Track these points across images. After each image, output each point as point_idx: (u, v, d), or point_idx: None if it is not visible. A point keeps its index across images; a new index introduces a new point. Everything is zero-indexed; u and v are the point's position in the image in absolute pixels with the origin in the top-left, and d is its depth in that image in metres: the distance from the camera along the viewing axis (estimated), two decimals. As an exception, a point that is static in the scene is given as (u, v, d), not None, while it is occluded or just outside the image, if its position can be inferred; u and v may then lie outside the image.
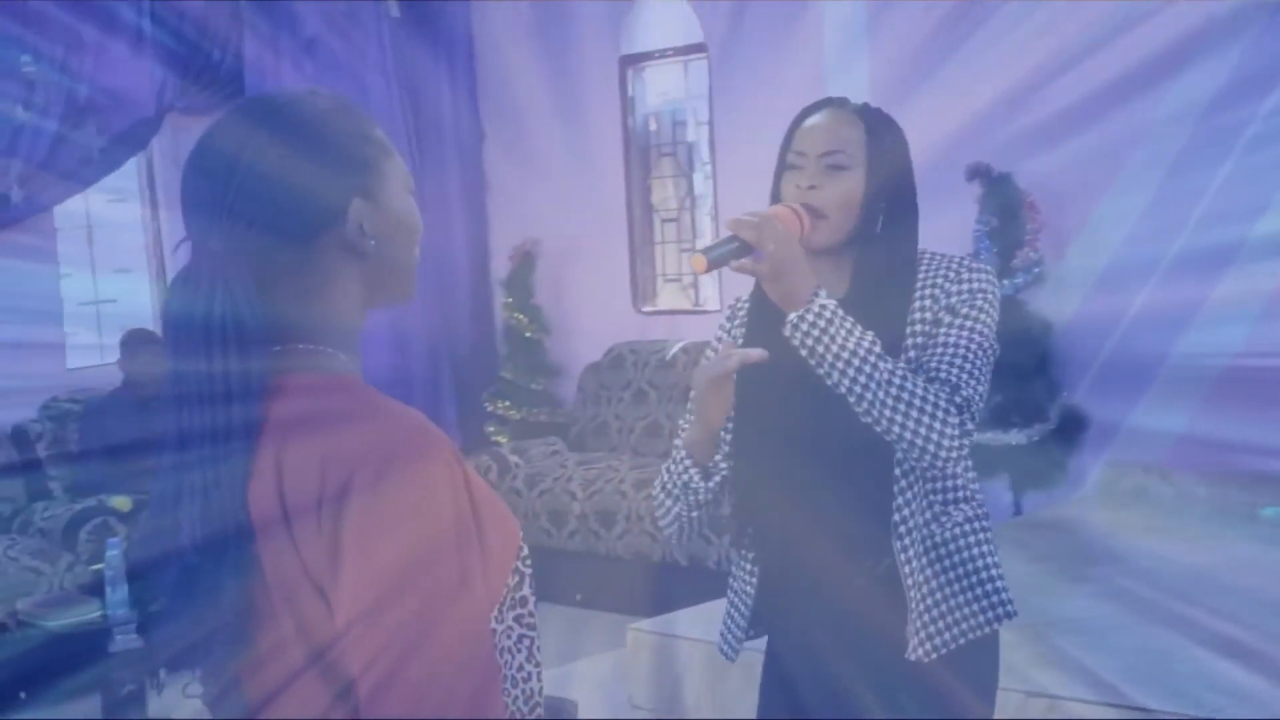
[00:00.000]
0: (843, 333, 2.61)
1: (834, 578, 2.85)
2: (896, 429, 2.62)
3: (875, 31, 7.33)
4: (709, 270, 2.66)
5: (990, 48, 6.89)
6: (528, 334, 8.80)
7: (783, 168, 2.85)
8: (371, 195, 1.73)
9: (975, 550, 2.79)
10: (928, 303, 2.77)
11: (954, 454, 2.64)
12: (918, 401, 2.60)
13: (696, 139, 8.61)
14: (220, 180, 1.67)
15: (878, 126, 2.84)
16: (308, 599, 1.59)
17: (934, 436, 2.61)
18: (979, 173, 6.63)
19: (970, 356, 2.71)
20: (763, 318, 2.86)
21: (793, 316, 2.64)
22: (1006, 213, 6.61)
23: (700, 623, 5.25)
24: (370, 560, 1.54)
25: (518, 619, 1.71)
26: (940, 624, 2.77)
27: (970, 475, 2.84)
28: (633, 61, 8.69)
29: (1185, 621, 4.95)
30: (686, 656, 5.16)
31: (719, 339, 3.03)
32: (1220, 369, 6.37)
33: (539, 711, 1.75)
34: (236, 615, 1.61)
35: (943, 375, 2.69)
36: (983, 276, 2.79)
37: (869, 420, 2.64)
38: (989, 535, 2.83)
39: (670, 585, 6.75)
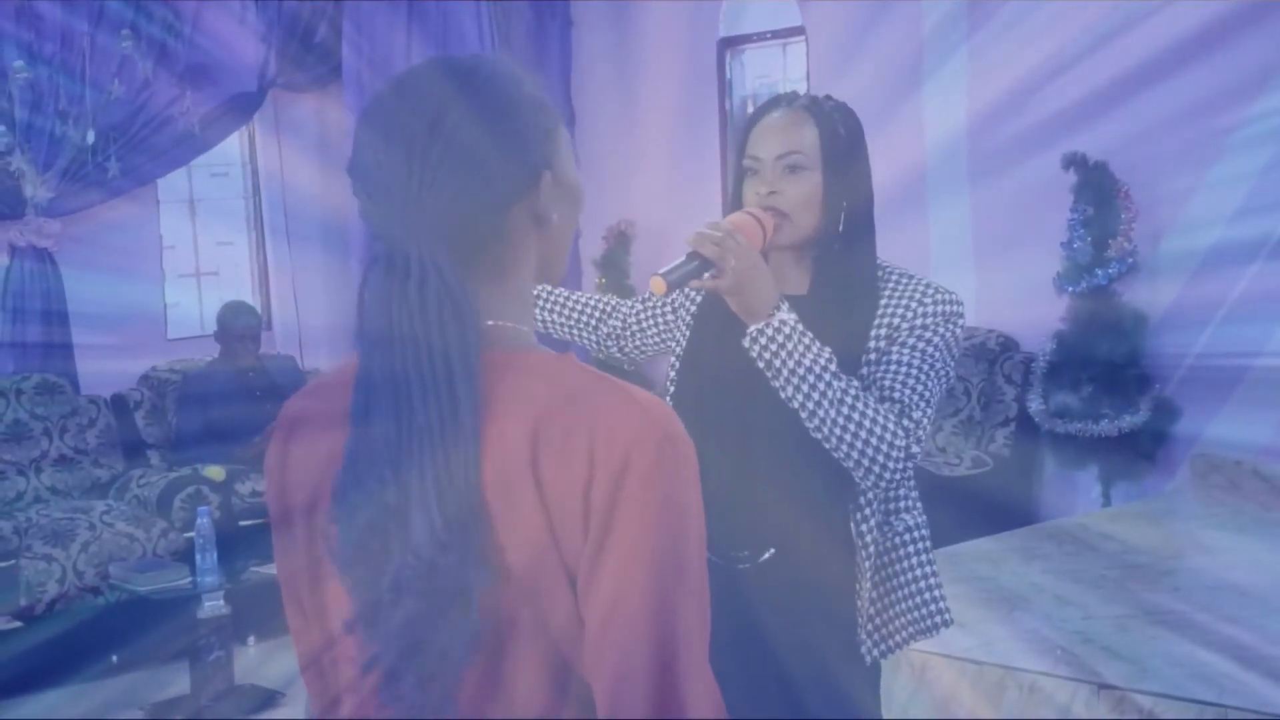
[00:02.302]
0: (800, 348, 2.63)
1: (755, 569, 2.89)
2: (845, 448, 2.64)
3: (974, 16, 7.28)
4: (669, 292, 2.63)
5: (1088, 36, 6.82)
6: (621, 315, 8.81)
7: (740, 173, 2.85)
8: (554, 166, 1.67)
9: (916, 560, 2.85)
10: (895, 320, 2.77)
11: (897, 475, 2.67)
12: (867, 423, 2.62)
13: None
14: (418, 150, 1.57)
15: (831, 122, 2.80)
16: (554, 582, 1.54)
17: (879, 459, 2.63)
18: (1074, 161, 6.57)
19: (923, 379, 2.72)
20: (713, 313, 2.88)
21: (752, 329, 2.65)
22: (1102, 202, 6.54)
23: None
24: (646, 539, 1.50)
25: None
26: (886, 629, 2.86)
27: (911, 483, 2.88)
28: (731, 44, 8.68)
29: (1271, 620, 4.89)
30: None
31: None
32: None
33: None
34: (474, 600, 1.52)
35: (895, 395, 2.70)
36: (950, 303, 2.79)
37: (818, 436, 2.65)
38: (928, 545, 2.88)
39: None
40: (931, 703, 4.49)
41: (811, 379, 2.62)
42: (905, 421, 2.66)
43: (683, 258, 2.65)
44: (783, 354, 2.63)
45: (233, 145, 8.57)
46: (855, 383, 2.66)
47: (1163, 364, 6.66)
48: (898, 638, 2.86)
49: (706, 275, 2.64)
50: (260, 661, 6.15)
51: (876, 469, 2.65)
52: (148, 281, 8.13)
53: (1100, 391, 6.51)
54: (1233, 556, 5.68)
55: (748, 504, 2.84)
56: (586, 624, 1.53)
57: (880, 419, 2.63)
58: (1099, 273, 6.51)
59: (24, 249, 7.43)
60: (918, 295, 2.78)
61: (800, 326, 2.64)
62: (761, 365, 2.66)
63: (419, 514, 1.52)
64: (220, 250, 8.71)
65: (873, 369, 2.75)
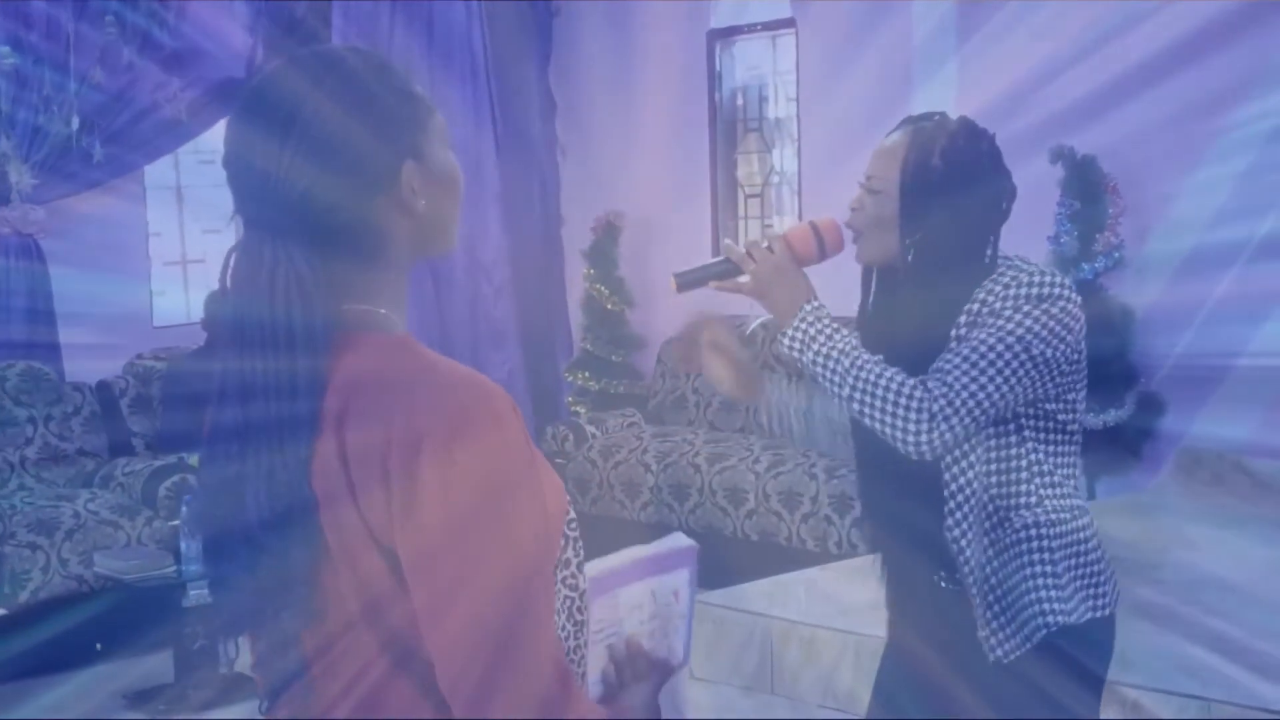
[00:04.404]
0: (822, 337, 2.75)
1: (906, 585, 2.98)
2: (867, 419, 2.72)
3: (965, 7, 7.28)
4: (682, 291, 2.85)
5: (1077, 22, 6.83)
6: (609, 306, 8.80)
7: None
8: (420, 155, 1.72)
9: (1027, 559, 2.79)
10: (976, 306, 2.76)
11: (924, 445, 2.68)
12: (880, 392, 2.69)
13: (780, 114, 8.59)
14: (273, 149, 1.66)
15: (925, 151, 2.80)
16: (368, 557, 1.60)
17: (899, 424, 2.68)
18: (1062, 155, 6.57)
19: (986, 355, 2.69)
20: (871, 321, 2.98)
21: (784, 331, 2.79)
22: (1089, 196, 6.55)
23: (763, 597, 5.26)
24: (445, 519, 1.55)
25: (563, 580, 1.73)
26: (1004, 633, 2.81)
27: (1042, 480, 2.81)
28: (721, 35, 8.68)
29: (1253, 614, 4.91)
30: (748, 629, 5.18)
31: None
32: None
33: (576, 669, 1.76)
34: (300, 576, 1.62)
35: (940, 370, 2.72)
36: (1042, 285, 2.74)
37: (850, 410, 2.75)
38: (1048, 544, 2.79)
39: (742, 559, 6.74)
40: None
41: (833, 362, 2.73)
42: (935, 392, 2.67)
43: (711, 260, 2.88)
44: (811, 347, 2.75)
45: (220, 132, 8.53)
46: (876, 359, 2.73)
47: (1148, 359, 6.67)
48: (1016, 639, 2.81)
49: (729, 280, 2.83)
50: (244, 650, 6.13)
51: (900, 436, 2.68)
52: (134, 269, 8.10)
53: (1086, 385, 6.52)
54: (1217, 551, 5.70)
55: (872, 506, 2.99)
56: (414, 603, 1.59)
57: (894, 387, 2.68)
58: (1085, 267, 6.51)
59: (8, 236, 7.41)
60: (1003, 281, 2.76)
61: (825, 319, 2.76)
62: (798, 363, 2.79)
63: (250, 492, 1.61)
64: (207, 238, 8.67)
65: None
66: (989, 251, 2.82)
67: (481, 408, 1.59)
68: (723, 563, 6.75)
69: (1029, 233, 6.64)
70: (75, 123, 7.43)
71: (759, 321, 8.11)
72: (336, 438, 1.61)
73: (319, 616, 1.63)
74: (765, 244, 2.81)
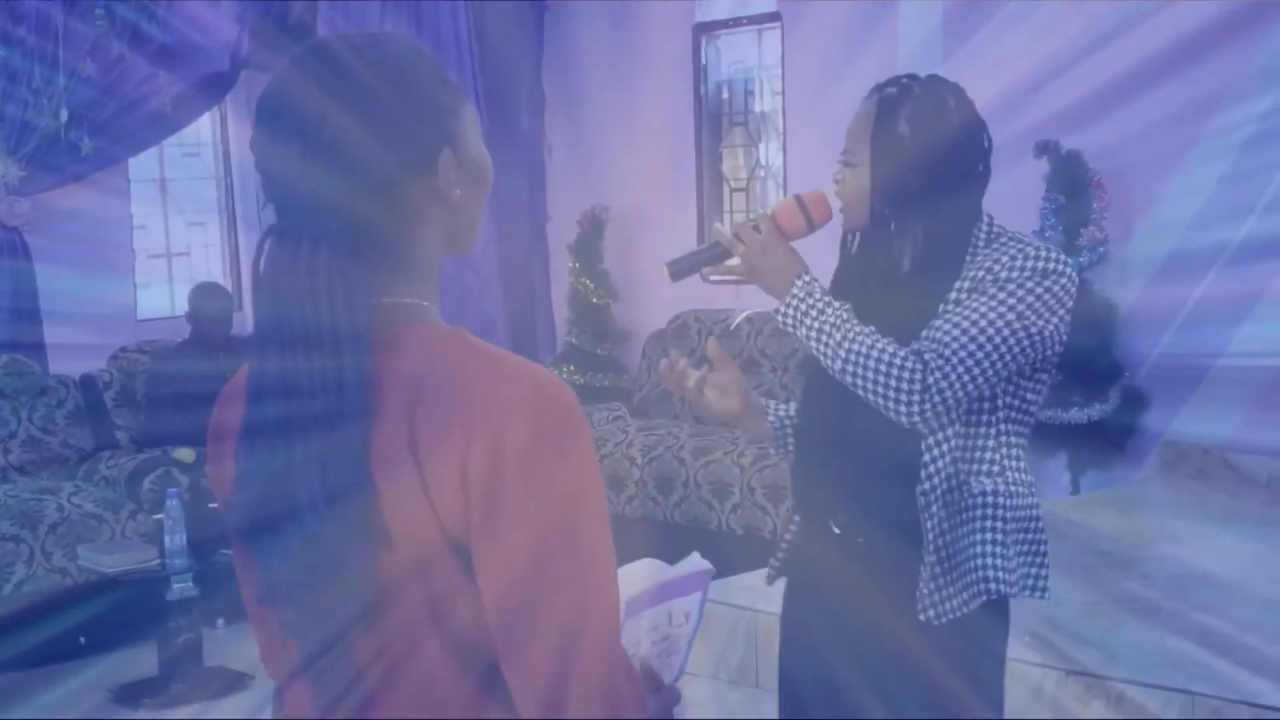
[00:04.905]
0: (815, 310, 2.79)
1: (857, 539, 2.93)
2: (861, 390, 2.74)
3: (951, 6, 7.28)
4: (676, 280, 2.89)
5: (1066, 20, 6.84)
6: (595, 299, 8.80)
7: None
8: (456, 143, 1.69)
9: (980, 524, 2.81)
10: (980, 273, 2.76)
11: (915, 415, 2.72)
12: (873, 364, 2.72)
13: (766, 109, 8.58)
14: (308, 130, 1.60)
15: (891, 119, 2.81)
16: (434, 546, 1.57)
17: (892, 395, 2.71)
18: (1047, 149, 6.59)
19: (986, 329, 2.70)
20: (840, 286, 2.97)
21: (777, 309, 2.84)
22: (1074, 190, 6.57)
23: (748, 591, 5.26)
24: (529, 520, 1.54)
25: None
26: (944, 593, 2.81)
27: (1005, 452, 2.83)
28: (706, 30, 8.68)
29: (1238, 608, 4.92)
30: (733, 623, 5.18)
31: None
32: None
33: None
34: (359, 567, 1.57)
35: (936, 339, 2.72)
36: (1047, 260, 2.75)
37: (844, 381, 2.77)
38: (1001, 514, 2.81)
39: (726, 553, 6.74)
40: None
41: (827, 331, 2.77)
42: (927, 356, 2.69)
43: (702, 246, 2.93)
44: (806, 320, 2.79)
45: (204, 125, 8.53)
46: (868, 330, 2.75)
47: (1132, 354, 6.69)
48: (954, 602, 2.81)
49: (722, 264, 2.88)
50: (229, 644, 6.11)
51: (890, 404, 2.71)
52: (118, 262, 8.07)
53: (1071, 380, 6.53)
54: (1201, 545, 5.71)
55: (839, 470, 2.93)
56: (485, 602, 1.56)
57: (887, 357, 2.71)
58: (1070, 261, 6.51)
59: (-7, 229, 7.39)
60: (1010, 251, 2.77)
61: (816, 291, 2.80)
62: (794, 335, 2.83)
63: (303, 486, 1.56)
64: (191, 231, 8.66)
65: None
66: (976, 214, 2.84)
67: (558, 407, 1.57)
68: (707, 557, 6.76)
69: (1014, 226, 6.69)
70: (64, 116, 7.41)
71: (744, 315, 8.12)
72: (408, 429, 1.56)
73: (376, 611, 1.59)
74: (753, 224, 2.84)
